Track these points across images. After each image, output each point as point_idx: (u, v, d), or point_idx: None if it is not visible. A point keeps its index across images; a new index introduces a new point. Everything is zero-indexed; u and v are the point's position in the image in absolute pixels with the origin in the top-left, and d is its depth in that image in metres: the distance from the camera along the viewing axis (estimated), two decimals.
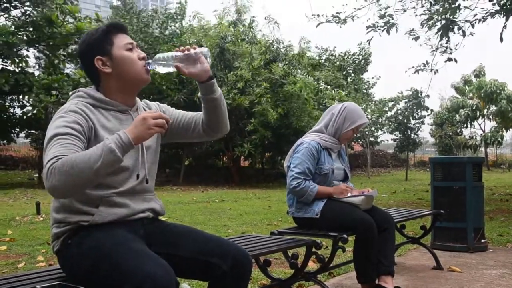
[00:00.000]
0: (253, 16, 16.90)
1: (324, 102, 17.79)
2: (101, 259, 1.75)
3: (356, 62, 25.57)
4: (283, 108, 15.04)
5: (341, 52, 25.52)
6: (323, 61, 23.80)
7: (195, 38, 16.76)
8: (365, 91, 25.75)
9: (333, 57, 24.95)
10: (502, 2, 9.09)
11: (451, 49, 10.39)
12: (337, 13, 10.45)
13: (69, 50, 16.61)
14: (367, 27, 10.20)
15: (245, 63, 16.03)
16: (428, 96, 19.06)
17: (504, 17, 9.26)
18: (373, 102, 24.80)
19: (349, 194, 3.35)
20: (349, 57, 25.49)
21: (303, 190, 3.27)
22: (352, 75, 25.60)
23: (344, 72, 24.56)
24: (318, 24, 10.40)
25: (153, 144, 2.08)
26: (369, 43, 10.77)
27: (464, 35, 9.77)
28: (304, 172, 3.30)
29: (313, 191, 3.28)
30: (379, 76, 27.04)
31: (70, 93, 2.05)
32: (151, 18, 18.55)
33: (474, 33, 10.02)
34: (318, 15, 10.50)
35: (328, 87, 19.49)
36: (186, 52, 1.96)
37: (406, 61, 14.10)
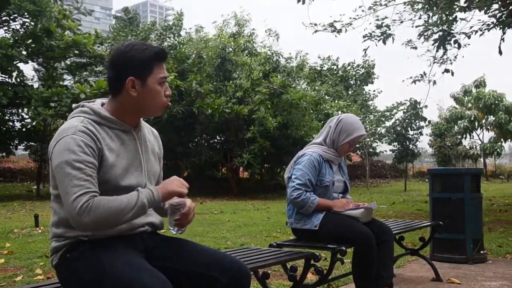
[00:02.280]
0: (253, 29, 17.09)
1: (323, 112, 17.87)
2: (100, 274, 1.75)
3: (360, 73, 25.59)
4: (283, 117, 15.08)
5: (345, 63, 25.56)
6: (325, 71, 23.80)
7: (195, 49, 16.86)
8: (364, 102, 25.72)
9: (335, 67, 24.93)
10: (498, 15, 9.16)
11: (451, 60, 10.48)
12: (334, 21, 10.56)
13: (68, 62, 16.70)
14: (364, 36, 10.31)
15: (245, 74, 16.11)
16: (426, 106, 19.18)
17: (501, 30, 9.33)
18: (372, 114, 24.80)
19: (350, 206, 3.36)
20: (353, 68, 25.50)
21: (304, 202, 3.28)
22: (353, 86, 25.61)
23: (345, 83, 24.58)
24: (314, 32, 10.53)
25: (156, 169, 2.10)
26: (365, 52, 10.87)
27: (459, 47, 9.85)
28: (305, 183, 3.30)
29: (313, 202, 3.29)
30: (381, 90, 26.93)
31: (74, 105, 2.02)
32: (149, 31, 18.67)
33: (469, 44, 10.12)
34: (315, 24, 10.63)
35: (328, 98, 19.58)
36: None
37: (407, 72, 14.21)
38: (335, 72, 24.26)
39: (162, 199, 1.86)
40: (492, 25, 9.35)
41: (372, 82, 26.02)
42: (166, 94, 1.97)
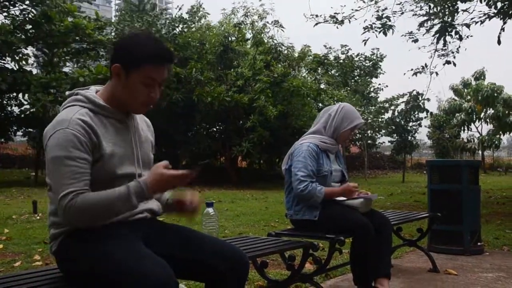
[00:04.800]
0: (267, 22, 17.02)
1: (324, 102, 17.84)
2: (100, 259, 1.75)
3: (366, 65, 25.42)
4: (283, 106, 15.05)
5: (353, 53, 25.35)
6: (329, 60, 23.55)
7: (199, 36, 16.78)
8: (367, 94, 25.56)
9: (343, 55, 24.61)
10: (499, 5, 9.11)
11: (453, 52, 10.43)
12: (335, 13, 10.51)
13: (68, 48, 16.61)
14: (364, 28, 10.25)
15: (246, 63, 16.05)
16: (428, 99, 19.11)
17: (502, 20, 9.29)
18: (374, 107, 24.69)
19: (355, 194, 3.34)
20: (361, 59, 25.29)
21: (311, 193, 3.22)
22: (357, 77, 25.47)
23: (351, 74, 24.43)
24: (316, 24, 10.49)
25: (151, 158, 2.10)
26: (364, 44, 10.77)
27: (460, 39, 9.80)
28: (309, 174, 3.27)
29: (320, 192, 3.24)
30: (386, 85, 26.80)
31: (67, 93, 2.00)
32: (155, 17, 18.47)
33: (471, 36, 10.07)
34: (317, 15, 10.56)
35: (328, 87, 19.53)
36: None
37: (409, 65, 14.18)
38: (340, 61, 23.97)
39: (152, 196, 1.82)
40: (492, 15, 9.30)
41: (377, 76, 25.88)
42: (150, 95, 1.90)
